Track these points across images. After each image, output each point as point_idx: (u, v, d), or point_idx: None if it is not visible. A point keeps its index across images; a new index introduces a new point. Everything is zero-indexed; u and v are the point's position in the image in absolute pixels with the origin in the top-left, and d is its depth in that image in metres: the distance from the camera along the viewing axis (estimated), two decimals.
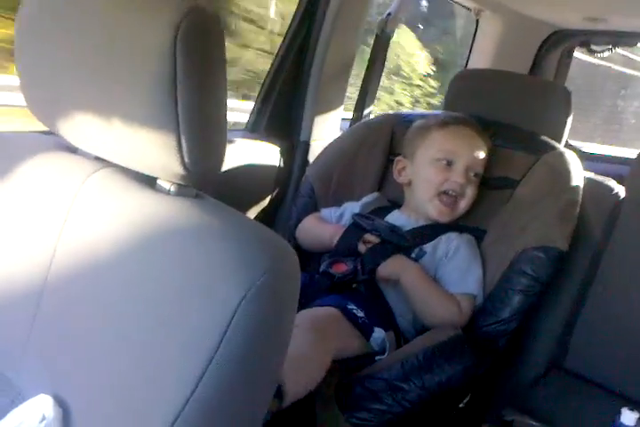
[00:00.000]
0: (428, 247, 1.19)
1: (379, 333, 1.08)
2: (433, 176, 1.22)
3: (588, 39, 2.10)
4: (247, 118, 1.60)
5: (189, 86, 0.57)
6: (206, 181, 0.65)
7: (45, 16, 0.65)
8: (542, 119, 1.39)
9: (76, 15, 0.62)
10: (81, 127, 0.64)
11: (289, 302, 0.58)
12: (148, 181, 0.65)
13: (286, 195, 1.59)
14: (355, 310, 1.08)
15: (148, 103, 0.57)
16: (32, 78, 0.68)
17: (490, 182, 1.28)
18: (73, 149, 0.72)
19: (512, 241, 1.16)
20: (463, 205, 1.22)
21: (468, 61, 2.07)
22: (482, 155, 1.22)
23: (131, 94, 0.58)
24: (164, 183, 0.64)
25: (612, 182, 1.32)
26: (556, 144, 1.32)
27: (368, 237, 1.19)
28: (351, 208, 1.32)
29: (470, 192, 1.21)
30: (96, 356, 0.58)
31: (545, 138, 1.33)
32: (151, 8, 0.58)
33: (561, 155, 1.27)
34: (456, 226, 1.25)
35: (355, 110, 1.76)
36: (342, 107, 1.69)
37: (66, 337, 0.60)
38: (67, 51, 0.63)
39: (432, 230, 1.22)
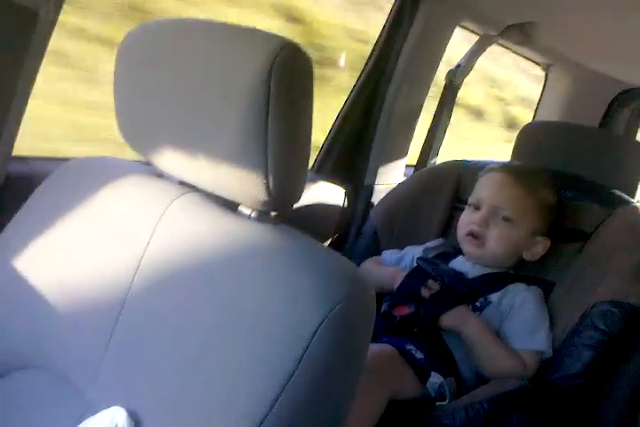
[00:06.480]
0: (493, 297, 1.16)
1: (436, 378, 1.05)
2: (462, 218, 1.27)
3: None
4: None
5: (281, 118, 0.58)
6: (285, 210, 0.66)
7: (142, 49, 0.69)
8: (615, 173, 1.37)
9: (172, 49, 0.66)
10: (170, 154, 0.67)
11: (365, 330, 0.58)
12: (230, 206, 0.67)
13: (348, 236, 1.59)
14: (413, 351, 1.06)
15: (239, 133, 0.59)
16: (127, 107, 0.72)
17: (560, 234, 1.26)
18: (159, 175, 0.75)
19: (583, 295, 1.12)
20: (491, 244, 1.19)
21: (535, 114, 2.08)
22: (511, 200, 1.20)
23: (223, 124, 0.60)
24: (245, 209, 0.65)
25: None
26: (630, 199, 1.30)
27: (431, 283, 1.18)
28: (413, 252, 1.31)
29: (495, 233, 1.19)
30: (169, 372, 0.58)
31: (618, 192, 1.31)
32: (247, 42, 0.61)
33: (636, 209, 1.24)
34: (524, 277, 1.22)
35: (419, 157, 1.77)
36: (407, 153, 1.70)
37: (142, 352, 0.61)
38: (162, 82, 0.66)
39: (498, 279, 1.20)
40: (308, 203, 1.51)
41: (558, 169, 1.34)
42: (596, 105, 2.07)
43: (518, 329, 1.12)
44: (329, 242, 1.59)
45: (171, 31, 0.68)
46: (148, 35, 0.70)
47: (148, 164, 0.74)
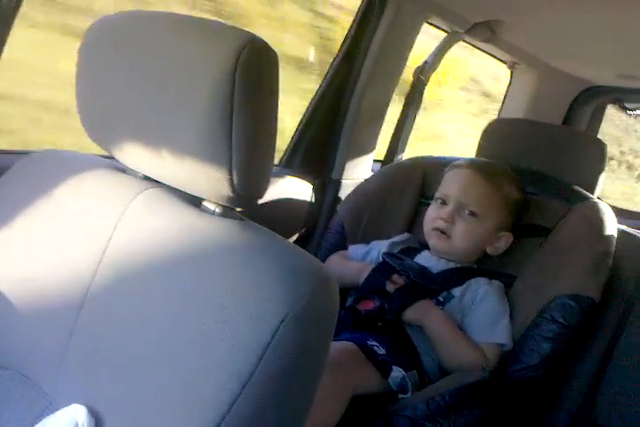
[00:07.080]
0: (456, 291, 1.18)
1: (397, 372, 1.06)
2: (428, 213, 1.29)
3: (621, 96, 2.13)
4: None
5: (245, 112, 0.58)
6: (249, 206, 0.66)
7: (107, 42, 0.68)
8: (576, 170, 1.40)
9: (137, 42, 0.65)
10: (133, 148, 0.67)
11: (327, 327, 0.58)
12: (194, 202, 0.67)
13: (315, 231, 1.60)
14: (375, 347, 1.07)
15: (203, 127, 0.59)
16: (89, 101, 0.71)
17: (521, 230, 1.28)
18: (122, 170, 0.74)
19: (543, 288, 1.15)
20: (457, 239, 1.22)
21: (500, 111, 2.11)
22: (478, 196, 1.22)
23: (187, 118, 0.60)
24: (209, 204, 0.65)
25: None
26: (590, 195, 1.33)
27: (396, 278, 1.19)
28: (379, 247, 1.32)
29: (461, 228, 1.22)
30: (132, 368, 0.58)
31: (578, 188, 1.34)
32: (212, 36, 0.60)
33: (595, 205, 1.27)
34: (486, 271, 1.25)
35: (387, 153, 1.79)
36: (375, 149, 1.72)
37: (103, 349, 0.61)
38: (126, 75, 0.65)
39: (461, 274, 1.22)
40: (276, 197, 1.51)
41: (521, 165, 1.37)
42: (559, 103, 2.11)
43: (480, 323, 1.15)
44: (297, 236, 1.59)
45: (135, 24, 0.67)
46: (113, 26, 0.69)
47: (111, 158, 0.74)
